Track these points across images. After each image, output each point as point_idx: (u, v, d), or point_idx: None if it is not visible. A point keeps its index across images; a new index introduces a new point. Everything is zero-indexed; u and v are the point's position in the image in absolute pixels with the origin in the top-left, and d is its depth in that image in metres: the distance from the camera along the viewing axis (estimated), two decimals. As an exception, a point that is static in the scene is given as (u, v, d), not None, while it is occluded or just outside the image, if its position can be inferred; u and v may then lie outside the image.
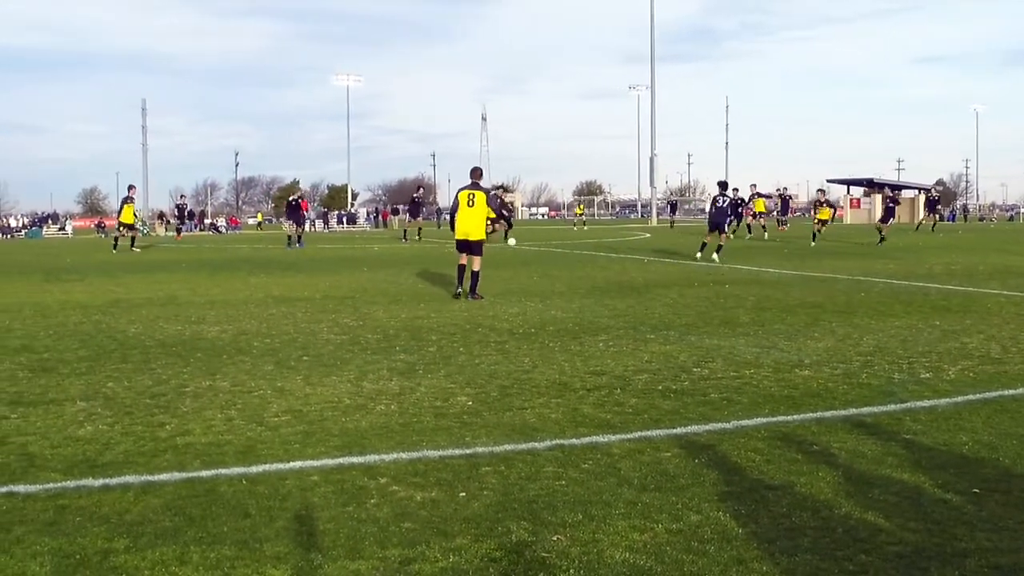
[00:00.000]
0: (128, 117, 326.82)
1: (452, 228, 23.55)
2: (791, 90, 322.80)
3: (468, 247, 23.03)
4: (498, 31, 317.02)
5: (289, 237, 52.43)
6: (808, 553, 6.49)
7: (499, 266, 33.52)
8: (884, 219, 51.93)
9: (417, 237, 60.42)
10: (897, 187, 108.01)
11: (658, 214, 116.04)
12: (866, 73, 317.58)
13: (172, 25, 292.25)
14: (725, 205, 37.18)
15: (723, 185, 38.04)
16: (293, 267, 34.22)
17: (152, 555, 6.48)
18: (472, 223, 22.87)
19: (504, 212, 46.03)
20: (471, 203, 22.78)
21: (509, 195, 78.04)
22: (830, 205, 58.61)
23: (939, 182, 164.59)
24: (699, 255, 36.49)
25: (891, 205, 52.79)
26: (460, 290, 22.77)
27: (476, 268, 22.80)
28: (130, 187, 49.86)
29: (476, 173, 23.45)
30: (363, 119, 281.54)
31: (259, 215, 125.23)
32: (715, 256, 35.03)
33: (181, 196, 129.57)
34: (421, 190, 69.01)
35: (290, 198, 56.61)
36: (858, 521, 7.12)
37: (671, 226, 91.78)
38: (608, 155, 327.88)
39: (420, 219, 66.49)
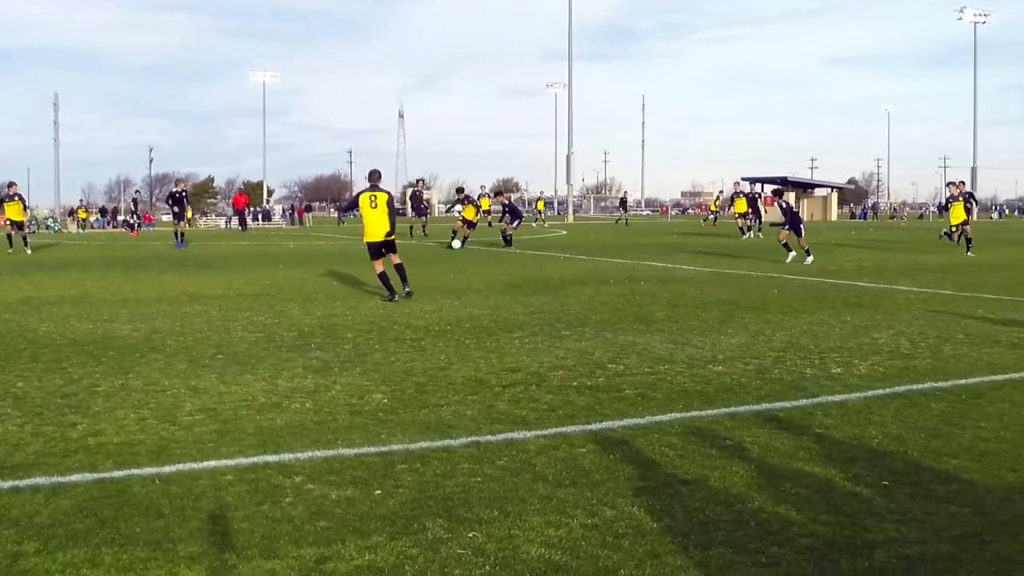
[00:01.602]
0: (42, 113, 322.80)
1: (339, 223, 23.09)
2: (707, 90, 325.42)
3: (381, 247, 22.54)
4: (417, 30, 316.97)
5: (176, 234, 47.58)
6: (722, 546, 6.56)
7: (415, 263, 33.48)
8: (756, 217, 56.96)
9: (423, 233, 58.47)
10: (810, 185, 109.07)
11: (574, 211, 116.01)
12: (781, 74, 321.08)
13: (92, 21, 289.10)
14: None
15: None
16: (207, 264, 33.96)
17: (63, 557, 6.41)
18: (378, 224, 22.36)
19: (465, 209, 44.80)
20: (373, 205, 22.34)
21: (428, 191, 76.81)
22: (746, 195, 57.93)
23: (851, 181, 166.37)
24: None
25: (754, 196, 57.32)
26: (394, 294, 21.73)
27: (398, 261, 22.45)
28: (10, 184, 47.72)
29: (374, 176, 22.94)
30: (281, 116, 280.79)
31: (81, 211, 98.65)
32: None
33: (136, 191, 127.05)
34: (421, 183, 68.22)
35: (173, 190, 50.04)
36: (770, 514, 7.19)
37: (626, 223, 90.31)
38: (526, 153, 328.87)
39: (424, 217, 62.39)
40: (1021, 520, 7.07)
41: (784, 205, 36.11)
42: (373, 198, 22.30)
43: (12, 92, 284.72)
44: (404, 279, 22.32)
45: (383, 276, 22.08)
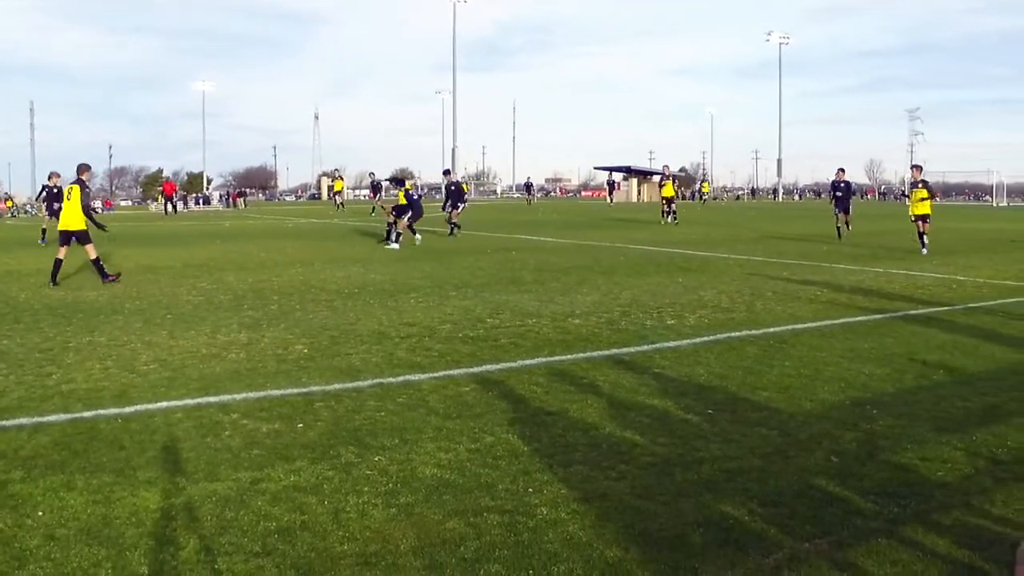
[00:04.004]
0: (20, 117, 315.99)
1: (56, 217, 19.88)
2: (566, 95, 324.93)
3: (71, 237, 19.07)
4: (329, 46, 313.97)
5: (44, 230, 32.96)
6: (580, 464, 6.63)
7: (327, 239, 33.25)
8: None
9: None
10: (649, 173, 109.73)
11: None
12: (624, 82, 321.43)
13: (62, 40, 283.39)
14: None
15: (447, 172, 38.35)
16: (157, 241, 33.39)
17: (44, 483, 6.34)
18: (70, 215, 19.03)
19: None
20: (69, 197, 19.20)
21: (340, 181, 75.29)
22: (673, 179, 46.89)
23: (682, 169, 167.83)
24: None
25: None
26: (56, 282, 18.52)
27: (93, 256, 19.06)
28: None
29: (80, 169, 19.68)
30: (216, 118, 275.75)
31: (8, 201, 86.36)
32: None
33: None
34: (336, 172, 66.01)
35: (47, 184, 32.55)
36: (619, 438, 7.27)
37: (530, 203, 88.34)
38: (419, 147, 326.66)
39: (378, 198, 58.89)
40: (817, 439, 7.23)
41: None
42: (70, 191, 19.32)
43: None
44: (103, 274, 18.95)
45: (58, 263, 18.79)
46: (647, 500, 5.92)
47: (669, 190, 44.14)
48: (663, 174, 48.12)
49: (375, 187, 63.12)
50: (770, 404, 8.34)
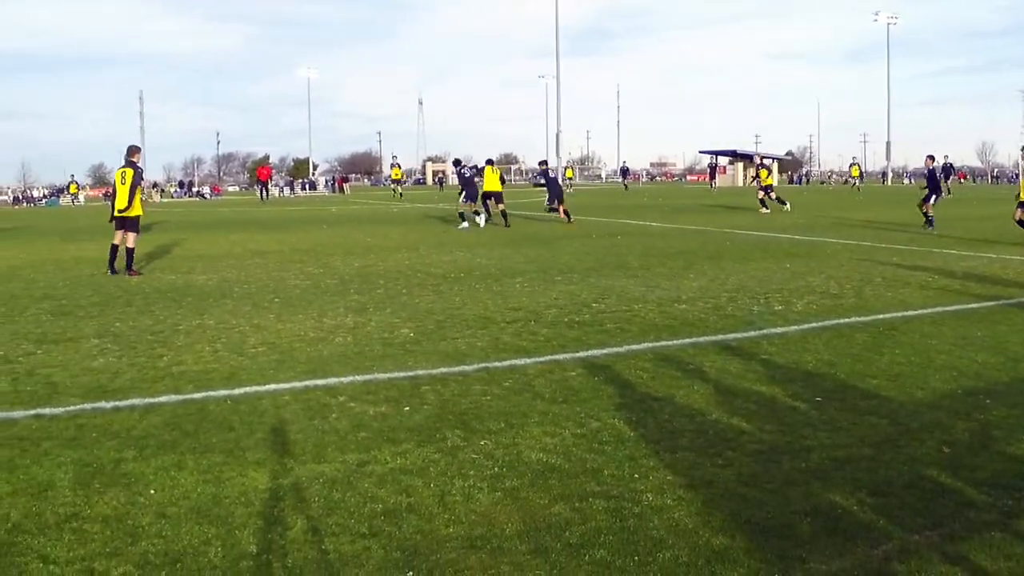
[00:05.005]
0: (130, 105, 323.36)
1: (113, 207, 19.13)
2: (669, 79, 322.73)
3: (123, 223, 18.84)
4: (431, 31, 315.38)
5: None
6: (686, 451, 6.58)
7: (433, 223, 33.43)
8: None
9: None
10: (754, 156, 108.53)
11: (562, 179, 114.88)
12: (730, 66, 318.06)
13: (169, 29, 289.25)
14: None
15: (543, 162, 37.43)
16: (265, 226, 33.89)
17: (155, 462, 6.48)
18: (124, 200, 18.70)
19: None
20: (123, 181, 18.79)
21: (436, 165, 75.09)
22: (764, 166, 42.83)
23: (788, 153, 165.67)
24: None
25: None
26: (115, 269, 18.48)
27: (130, 244, 18.82)
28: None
29: (131, 151, 19.07)
30: (321, 104, 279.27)
31: (72, 186, 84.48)
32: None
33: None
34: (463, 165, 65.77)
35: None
36: (725, 425, 7.20)
37: (626, 188, 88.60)
38: (521, 132, 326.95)
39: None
40: (928, 428, 7.08)
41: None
42: (123, 174, 18.91)
43: (105, 89, 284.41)
44: (129, 263, 18.65)
45: (114, 248, 18.75)
46: (754, 488, 5.85)
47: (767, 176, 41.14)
48: (759, 164, 46.18)
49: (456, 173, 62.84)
50: (880, 392, 8.19)
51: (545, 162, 38.89)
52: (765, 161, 47.34)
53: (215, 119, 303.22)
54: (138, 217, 18.95)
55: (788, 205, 39.40)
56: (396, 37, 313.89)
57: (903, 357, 9.56)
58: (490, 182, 32.00)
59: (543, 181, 35.52)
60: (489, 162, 32.55)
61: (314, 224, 34.45)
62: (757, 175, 40.96)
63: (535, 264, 18.66)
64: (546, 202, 33.99)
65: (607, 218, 35.29)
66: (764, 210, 37.84)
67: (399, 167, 77.43)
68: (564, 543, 5.08)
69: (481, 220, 31.21)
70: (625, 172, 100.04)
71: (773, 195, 40.12)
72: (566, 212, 31.73)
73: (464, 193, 31.91)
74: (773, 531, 5.19)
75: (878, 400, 7.93)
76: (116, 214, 18.81)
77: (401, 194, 67.49)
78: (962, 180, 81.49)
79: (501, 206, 31.47)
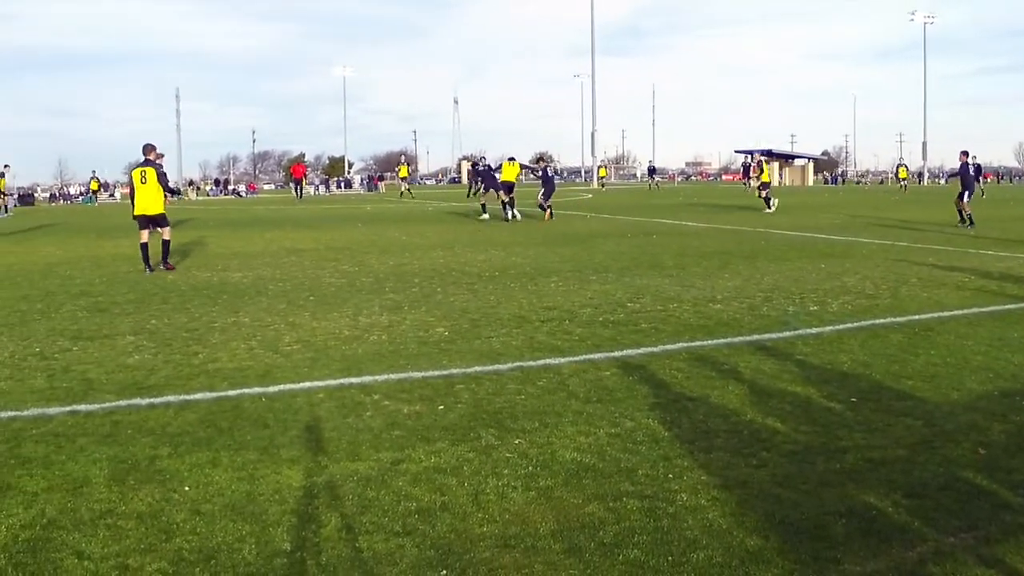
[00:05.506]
0: (166, 103, 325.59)
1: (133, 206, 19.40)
2: (704, 79, 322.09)
3: (150, 222, 19.03)
4: (467, 30, 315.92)
5: None
6: (721, 451, 6.56)
7: (468, 221, 33.48)
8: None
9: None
10: (791, 156, 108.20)
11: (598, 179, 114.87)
12: (765, 65, 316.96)
13: (205, 29, 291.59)
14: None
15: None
16: (300, 224, 34.04)
17: (190, 459, 6.51)
18: (148, 199, 18.85)
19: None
20: (144, 180, 18.82)
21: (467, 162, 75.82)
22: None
23: (824, 153, 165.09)
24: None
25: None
26: (151, 267, 18.38)
27: (166, 237, 19.17)
28: (5, 165, 47.51)
29: (147, 149, 19.01)
30: (356, 102, 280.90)
31: (93, 183, 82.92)
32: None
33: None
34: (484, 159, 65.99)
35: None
36: (760, 425, 7.18)
37: (658, 187, 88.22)
38: (557, 131, 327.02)
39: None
40: (963, 430, 7.03)
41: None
42: (144, 173, 18.90)
43: (143, 87, 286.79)
44: (165, 256, 18.93)
45: (144, 247, 18.66)
46: (788, 488, 5.83)
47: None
48: (759, 161, 48.44)
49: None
50: (915, 393, 8.14)
51: (542, 159, 43.41)
52: (763, 159, 48.96)
53: (251, 117, 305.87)
54: (164, 214, 19.25)
55: (773, 208, 39.27)
56: (431, 35, 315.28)
57: (939, 358, 9.49)
58: (507, 173, 34.32)
59: (541, 177, 37.56)
60: (511, 159, 35.04)
61: (349, 222, 34.56)
62: (760, 171, 41.60)
63: (570, 263, 18.65)
64: (539, 196, 35.44)
65: (642, 217, 35.24)
66: (768, 209, 38.08)
67: (406, 164, 77.55)
68: (598, 543, 5.08)
69: (511, 214, 33.29)
70: (652, 171, 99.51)
71: (764, 192, 40.44)
72: (550, 211, 34.25)
73: (484, 185, 35.66)
74: (807, 532, 5.17)
75: (913, 401, 7.88)
76: (140, 213, 18.92)
77: (412, 193, 67.40)
78: (987, 180, 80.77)
79: (511, 196, 33.59)
